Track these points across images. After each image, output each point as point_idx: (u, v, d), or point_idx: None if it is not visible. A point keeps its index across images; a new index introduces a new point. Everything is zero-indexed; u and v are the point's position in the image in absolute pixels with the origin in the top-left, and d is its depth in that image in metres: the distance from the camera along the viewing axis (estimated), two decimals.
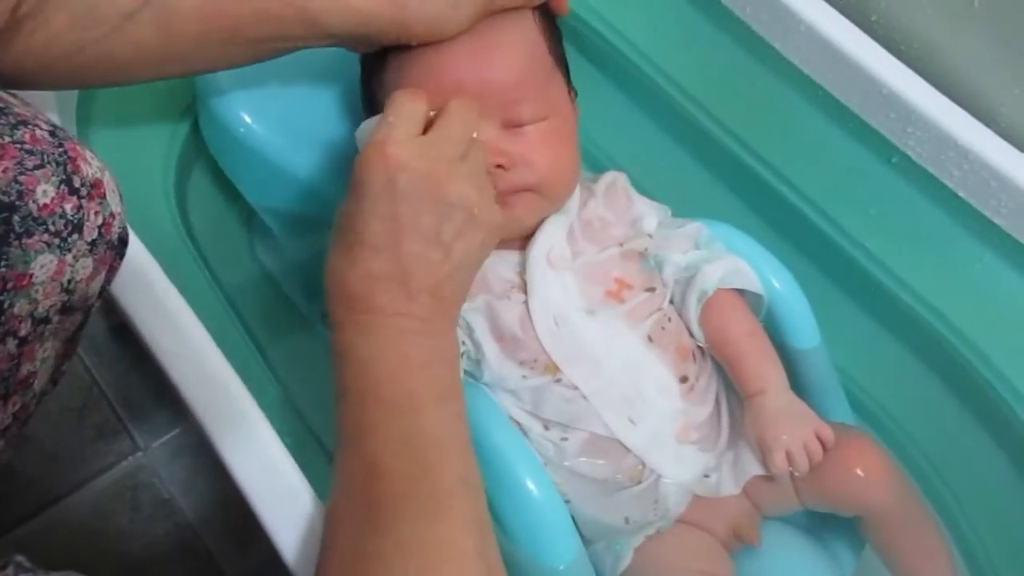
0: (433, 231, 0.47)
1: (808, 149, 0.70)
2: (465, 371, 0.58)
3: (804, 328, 0.64)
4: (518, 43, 0.57)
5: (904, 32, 0.68)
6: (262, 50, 0.54)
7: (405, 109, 0.50)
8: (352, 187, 0.48)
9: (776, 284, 0.64)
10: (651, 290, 0.60)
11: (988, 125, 0.63)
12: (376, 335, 0.46)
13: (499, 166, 0.55)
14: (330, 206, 0.66)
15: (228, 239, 0.72)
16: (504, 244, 0.59)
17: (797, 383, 0.63)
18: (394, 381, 0.45)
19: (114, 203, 0.45)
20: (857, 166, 0.68)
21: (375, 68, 0.59)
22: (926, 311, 0.67)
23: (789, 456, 0.57)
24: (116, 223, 0.45)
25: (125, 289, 0.50)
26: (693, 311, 0.61)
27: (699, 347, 0.62)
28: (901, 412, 0.71)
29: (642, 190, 0.65)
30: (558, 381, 0.57)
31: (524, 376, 0.57)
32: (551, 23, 0.61)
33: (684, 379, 0.60)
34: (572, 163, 0.59)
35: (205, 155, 0.68)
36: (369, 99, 0.60)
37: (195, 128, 0.68)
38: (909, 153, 0.65)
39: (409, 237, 0.46)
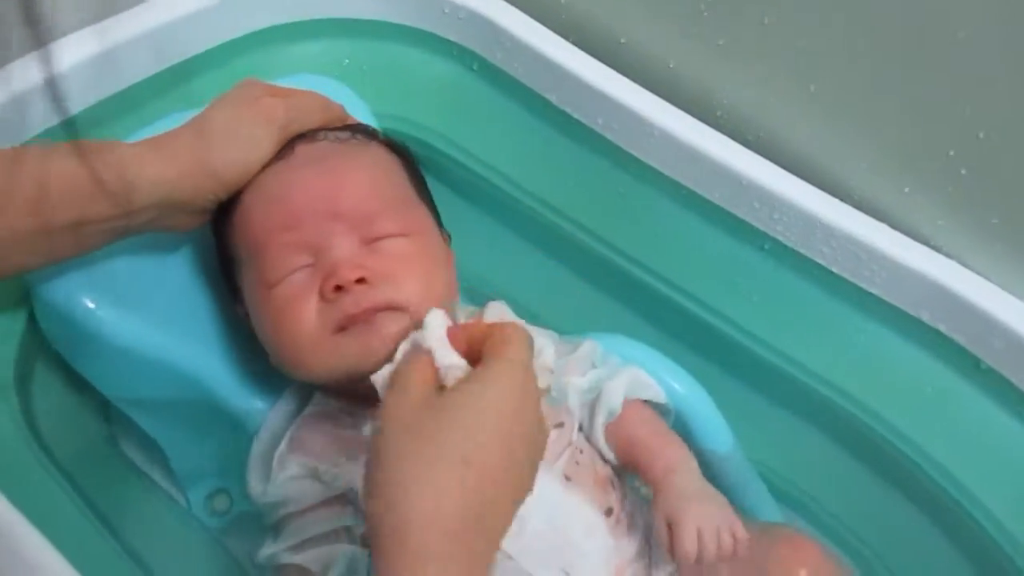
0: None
1: (684, 247, 0.70)
2: None
3: (715, 429, 0.63)
4: (367, 161, 0.57)
5: (750, 123, 0.70)
6: (81, 239, 0.51)
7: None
8: (479, 404, 0.40)
9: (678, 388, 0.62)
10: (559, 426, 0.57)
11: (844, 200, 0.65)
12: None
13: (360, 280, 0.51)
14: (198, 386, 0.61)
15: (85, 438, 0.65)
16: (359, 399, 0.55)
17: (718, 487, 0.61)
18: None
19: None
20: (733, 257, 0.68)
21: (224, 227, 0.56)
22: (827, 389, 0.66)
23: (699, 536, 0.51)
24: None
25: None
26: (599, 431, 0.58)
27: (615, 473, 0.58)
28: (824, 495, 0.70)
29: (526, 314, 0.63)
30: None
31: None
32: (407, 160, 0.60)
33: (609, 511, 0.56)
34: (441, 282, 0.55)
35: (47, 350, 0.61)
36: (227, 262, 0.57)
37: (32, 321, 0.61)
38: (779, 238, 0.66)
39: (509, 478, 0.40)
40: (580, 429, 0.59)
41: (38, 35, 0.27)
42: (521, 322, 0.61)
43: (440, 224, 0.60)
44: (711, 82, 0.70)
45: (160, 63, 0.67)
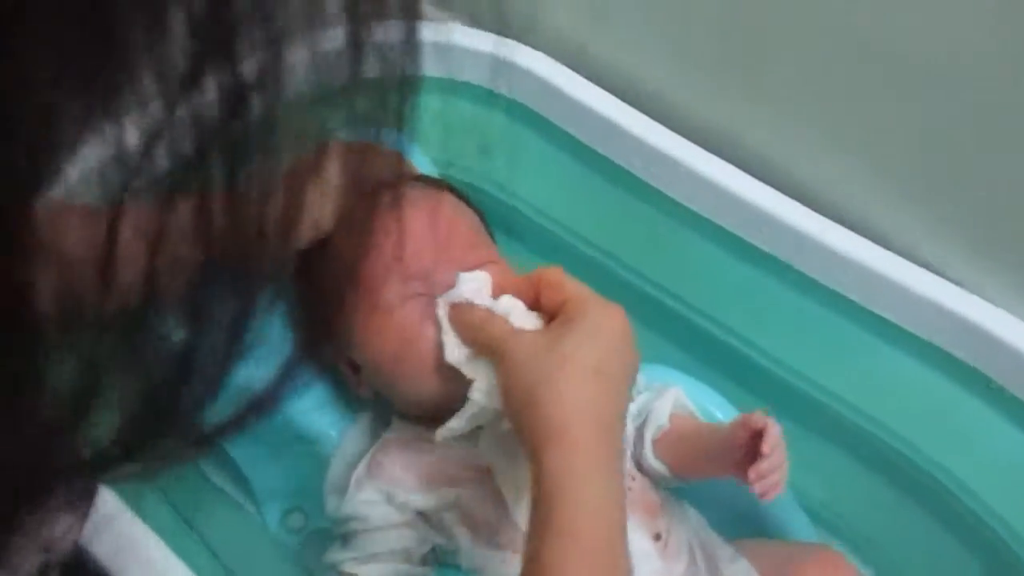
0: None
1: (713, 279, 0.75)
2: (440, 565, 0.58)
3: None
4: (450, 203, 0.64)
5: (775, 162, 0.74)
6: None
7: None
8: (592, 329, 0.51)
9: (718, 414, 0.67)
10: None
11: (863, 233, 0.71)
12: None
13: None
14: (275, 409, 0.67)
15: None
16: (437, 423, 0.59)
17: (755, 508, 0.66)
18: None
19: None
20: (759, 287, 0.73)
21: (312, 275, 0.61)
22: (850, 412, 0.71)
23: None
24: None
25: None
26: (649, 447, 0.62)
27: (663, 499, 0.62)
28: (854, 515, 0.74)
29: None
30: None
31: (503, 561, 0.57)
32: (471, 204, 0.66)
33: (658, 536, 0.60)
34: None
35: None
36: (312, 307, 0.63)
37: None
38: (802, 269, 0.71)
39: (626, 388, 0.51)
40: (632, 457, 0.63)
41: None
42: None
43: None
44: (738, 125, 0.76)
45: None
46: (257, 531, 0.70)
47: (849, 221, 0.71)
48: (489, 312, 0.55)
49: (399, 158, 0.67)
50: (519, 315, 0.55)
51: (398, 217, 0.59)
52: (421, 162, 0.74)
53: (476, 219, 0.65)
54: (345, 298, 0.61)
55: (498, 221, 0.81)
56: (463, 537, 0.58)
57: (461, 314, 0.56)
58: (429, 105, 0.81)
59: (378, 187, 0.62)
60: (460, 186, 0.72)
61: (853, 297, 0.70)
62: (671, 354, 0.76)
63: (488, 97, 0.79)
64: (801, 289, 0.72)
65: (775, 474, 0.55)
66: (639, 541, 0.58)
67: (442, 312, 0.57)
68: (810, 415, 0.73)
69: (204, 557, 0.62)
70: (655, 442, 0.63)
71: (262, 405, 0.34)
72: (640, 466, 0.64)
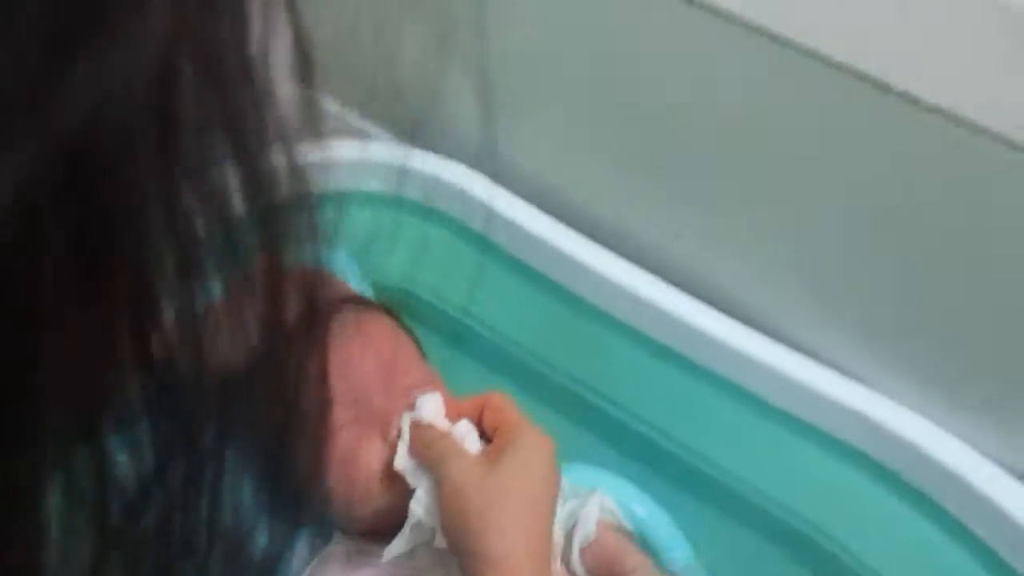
0: None
1: (650, 387, 0.79)
2: None
3: (675, 548, 0.71)
4: (383, 325, 0.68)
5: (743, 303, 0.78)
6: None
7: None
8: (526, 459, 0.57)
9: (640, 512, 0.71)
10: None
11: (776, 337, 0.75)
12: None
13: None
14: None
15: None
16: (378, 537, 0.62)
17: None
18: None
19: None
20: (676, 386, 0.77)
21: None
22: (787, 514, 0.74)
23: None
24: None
25: None
26: (577, 554, 0.65)
27: None
28: None
29: None
30: None
31: None
32: (403, 324, 0.71)
33: None
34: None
35: None
36: None
37: None
38: (718, 370, 0.75)
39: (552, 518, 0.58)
40: (561, 562, 0.66)
41: None
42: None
43: None
44: (665, 239, 0.80)
45: None
46: None
47: (762, 324, 0.75)
48: (443, 433, 0.60)
49: (335, 280, 0.72)
50: (472, 442, 0.60)
51: (335, 342, 0.64)
52: (357, 279, 0.78)
53: (411, 342, 0.69)
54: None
55: (437, 331, 0.85)
56: None
57: (420, 433, 0.60)
58: (370, 221, 0.86)
59: (315, 311, 0.66)
60: (400, 300, 0.76)
61: (764, 395, 0.74)
62: (597, 451, 0.79)
63: (422, 212, 0.84)
64: (716, 388, 0.76)
65: None
66: None
67: (405, 425, 0.61)
68: (743, 513, 0.76)
69: None
70: (583, 551, 0.66)
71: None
72: (567, 566, 0.66)
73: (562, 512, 0.67)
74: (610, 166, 0.83)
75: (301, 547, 0.69)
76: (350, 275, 0.76)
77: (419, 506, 0.58)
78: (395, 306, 0.73)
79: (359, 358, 0.64)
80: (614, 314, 0.78)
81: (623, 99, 0.79)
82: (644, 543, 0.71)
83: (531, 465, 0.56)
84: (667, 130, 0.77)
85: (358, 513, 0.63)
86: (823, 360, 0.73)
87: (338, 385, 0.62)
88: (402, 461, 0.59)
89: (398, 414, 0.62)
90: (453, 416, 0.62)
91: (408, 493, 0.59)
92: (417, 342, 0.71)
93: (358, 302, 0.70)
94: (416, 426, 0.60)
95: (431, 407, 0.60)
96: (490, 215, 0.82)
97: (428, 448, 0.59)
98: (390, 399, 0.63)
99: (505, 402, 0.61)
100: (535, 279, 0.81)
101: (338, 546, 0.66)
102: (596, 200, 0.84)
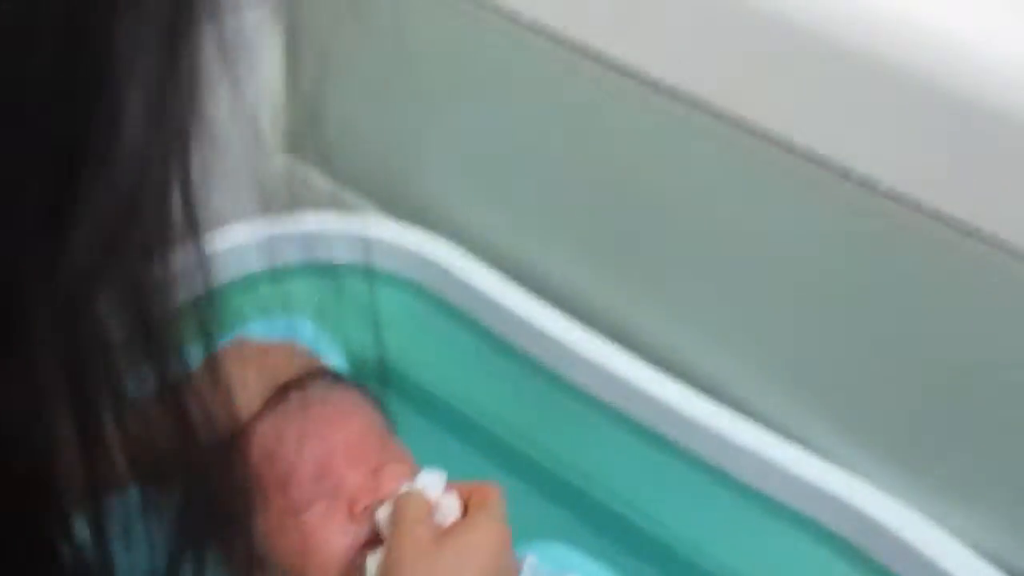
0: None
1: (617, 459, 0.78)
2: None
3: None
4: (351, 400, 0.67)
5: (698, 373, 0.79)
6: None
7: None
8: (471, 551, 0.55)
9: None
10: None
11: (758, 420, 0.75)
12: None
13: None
14: None
15: None
16: None
17: None
18: None
19: None
20: (652, 465, 0.76)
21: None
22: None
23: None
24: None
25: None
26: None
27: None
28: None
29: None
30: None
31: None
32: (374, 398, 0.69)
33: None
34: None
35: None
36: None
37: None
38: (696, 450, 0.75)
39: None
40: None
41: None
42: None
43: None
44: (631, 314, 0.81)
45: None
46: None
47: (743, 407, 0.75)
48: (427, 504, 0.58)
49: (306, 355, 0.70)
50: (448, 512, 0.59)
51: (303, 417, 0.63)
52: (329, 350, 0.77)
53: (380, 417, 0.68)
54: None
55: (404, 397, 0.84)
56: None
57: (407, 498, 0.59)
58: (355, 293, 0.86)
59: (283, 385, 0.65)
60: (370, 364, 0.75)
61: (745, 479, 0.73)
62: (571, 529, 0.77)
63: (396, 283, 0.84)
64: (695, 468, 0.75)
65: None
66: None
67: (404, 488, 0.60)
68: None
69: None
70: None
71: None
72: None
73: None
74: (580, 243, 0.83)
75: None
76: (323, 348, 0.75)
77: (373, 564, 0.57)
78: (367, 379, 0.72)
79: (326, 434, 0.63)
80: (592, 392, 0.78)
81: (593, 177, 0.80)
82: None
83: (475, 557, 0.55)
84: (636, 212, 0.79)
85: None
86: (808, 446, 0.73)
87: (303, 461, 0.61)
88: (382, 514, 0.59)
89: (364, 492, 0.60)
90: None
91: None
92: (388, 416, 0.70)
93: (326, 376, 0.69)
94: (408, 493, 0.59)
95: (431, 482, 0.60)
96: (467, 289, 0.82)
97: (397, 509, 0.58)
98: (356, 477, 0.61)
99: (491, 493, 0.60)
100: (511, 354, 0.81)
101: None
102: (569, 278, 0.85)
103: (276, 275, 0.84)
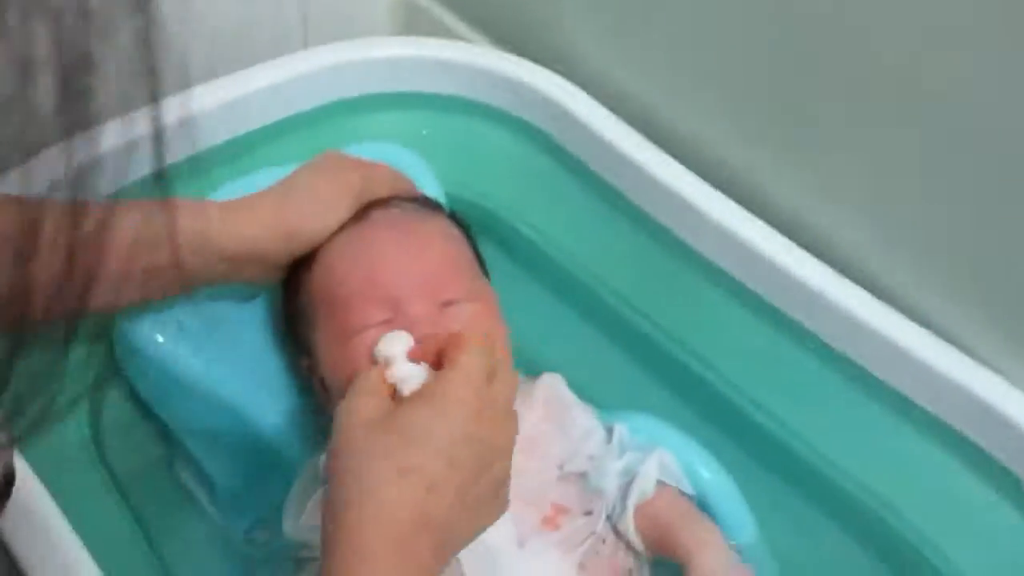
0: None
1: (728, 335, 0.71)
2: None
3: (737, 519, 0.63)
4: (438, 229, 0.62)
5: (805, 223, 0.70)
6: (163, 286, 0.55)
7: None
8: (426, 424, 0.44)
9: (704, 474, 0.63)
10: (588, 514, 0.59)
11: (892, 304, 0.66)
12: None
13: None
14: (249, 425, 0.66)
15: (144, 457, 0.70)
16: None
17: None
18: None
19: None
20: (776, 351, 0.69)
21: (297, 283, 0.60)
22: (859, 491, 0.66)
23: None
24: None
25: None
26: (630, 512, 0.59)
27: (633, 567, 0.59)
28: None
29: (572, 387, 0.66)
30: None
31: None
32: (468, 234, 0.65)
33: None
34: (501, 348, 0.58)
35: (121, 374, 0.67)
36: (294, 316, 0.62)
37: (111, 347, 0.67)
38: (823, 337, 0.67)
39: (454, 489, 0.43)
40: (608, 519, 0.60)
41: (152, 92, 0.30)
42: (565, 393, 0.64)
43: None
44: (768, 180, 0.72)
45: (247, 127, 0.73)
46: (219, 541, 0.69)
47: (879, 290, 0.66)
48: (378, 374, 0.50)
49: (398, 176, 0.66)
50: (409, 379, 0.49)
51: (372, 238, 0.59)
52: (429, 182, 0.72)
53: (467, 250, 0.63)
54: (308, 313, 0.60)
55: (513, 252, 0.79)
56: None
57: (355, 382, 0.50)
58: (463, 128, 0.80)
59: (368, 204, 0.61)
60: (470, 208, 0.70)
61: (869, 367, 0.65)
62: (672, 405, 0.72)
63: (507, 120, 0.77)
64: (820, 357, 0.67)
65: None
66: None
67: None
68: (811, 486, 0.68)
69: (143, 558, 0.60)
70: (637, 509, 0.60)
71: None
72: (616, 530, 0.60)
73: (620, 463, 0.61)
74: (715, 96, 0.74)
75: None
76: (421, 178, 0.70)
77: None
78: (464, 216, 0.67)
79: (400, 260, 0.58)
80: (715, 260, 0.70)
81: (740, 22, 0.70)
82: (704, 510, 0.63)
83: (429, 424, 0.44)
84: (786, 63, 0.68)
85: None
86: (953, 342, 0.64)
87: (368, 283, 0.57)
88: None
89: (427, 325, 0.55)
90: (419, 358, 0.51)
91: None
92: (479, 256, 0.64)
93: (416, 201, 0.64)
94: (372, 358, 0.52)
95: (393, 345, 0.51)
96: (587, 134, 0.74)
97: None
98: (421, 308, 0.56)
99: (461, 341, 0.48)
100: (628, 210, 0.74)
101: None
102: (702, 134, 0.75)
103: (386, 101, 0.79)
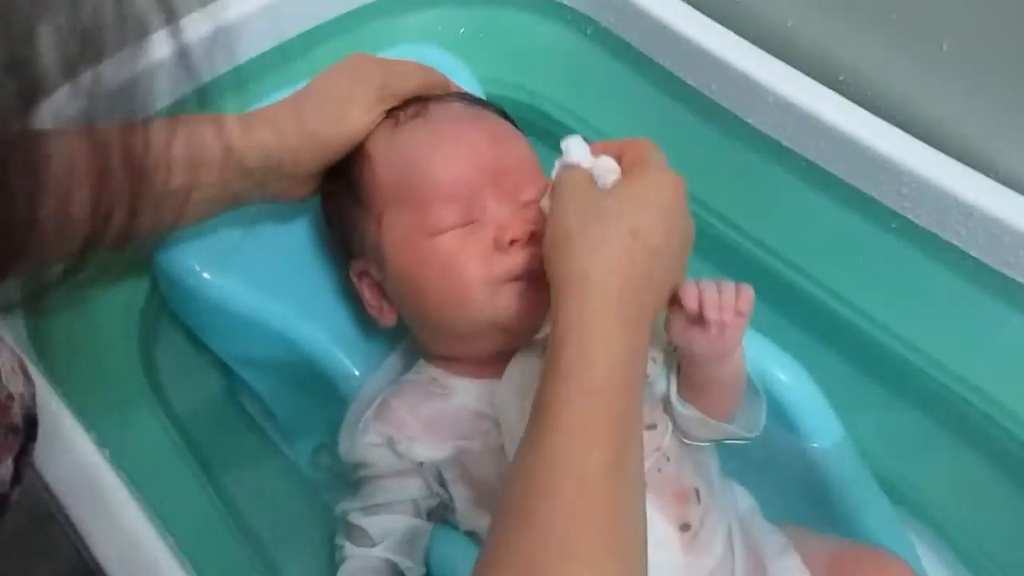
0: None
1: (801, 221, 0.66)
2: (443, 520, 0.54)
3: (821, 421, 0.59)
4: (503, 126, 0.59)
5: (875, 87, 0.64)
6: (191, 207, 0.54)
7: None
8: (641, 194, 0.48)
9: (782, 377, 0.58)
10: (652, 427, 0.55)
11: (986, 173, 0.59)
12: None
13: (531, 237, 0.53)
14: (299, 350, 0.64)
15: (203, 390, 0.69)
16: (475, 371, 0.56)
17: (824, 486, 0.57)
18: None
19: (14, 384, 0.42)
20: (856, 234, 0.63)
21: (347, 186, 0.58)
22: (959, 386, 0.61)
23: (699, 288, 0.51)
24: (17, 405, 0.42)
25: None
26: (674, 387, 0.56)
27: (705, 483, 0.55)
28: (943, 497, 0.64)
29: None
30: None
31: None
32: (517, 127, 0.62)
33: (686, 527, 0.52)
34: None
35: (169, 308, 0.66)
36: (345, 223, 0.59)
37: (156, 282, 0.65)
38: (908, 216, 0.60)
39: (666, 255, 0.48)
40: (664, 430, 0.56)
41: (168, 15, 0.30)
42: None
43: None
44: (833, 42, 0.65)
45: (280, 36, 0.69)
46: (284, 467, 0.68)
47: (970, 158, 0.59)
48: (584, 170, 0.52)
49: (427, 70, 0.61)
50: (610, 177, 0.51)
51: (441, 134, 0.55)
52: (471, 84, 0.67)
53: (527, 146, 0.59)
54: (369, 211, 0.57)
55: (553, 145, 0.74)
56: (460, 496, 0.53)
57: (565, 173, 0.52)
58: (503, 21, 0.75)
59: (410, 99, 0.57)
60: (522, 108, 0.65)
61: (971, 251, 0.59)
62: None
63: (548, 8, 0.71)
64: (906, 238, 0.61)
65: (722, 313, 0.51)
66: (661, 529, 0.51)
67: (554, 174, 0.53)
68: (904, 382, 0.63)
69: (202, 491, 0.59)
70: (680, 378, 0.56)
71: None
72: (675, 423, 0.56)
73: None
74: None
75: (386, 375, 0.63)
76: (461, 79, 0.66)
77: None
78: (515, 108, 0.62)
79: (486, 159, 0.55)
80: (777, 137, 0.64)
81: None
82: (784, 416, 0.58)
83: (647, 201, 0.48)
84: None
85: (446, 322, 0.55)
86: None
87: (442, 182, 0.54)
88: (544, 203, 0.53)
89: (514, 223, 0.54)
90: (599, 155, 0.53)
91: (500, 311, 0.53)
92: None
93: (465, 97, 0.61)
94: (566, 168, 0.52)
95: (576, 148, 0.52)
96: (646, 20, 0.68)
97: (556, 181, 0.52)
98: (503, 208, 0.54)
99: (647, 145, 0.52)
100: (695, 100, 0.67)
101: (418, 375, 0.59)
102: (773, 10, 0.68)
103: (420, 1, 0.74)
